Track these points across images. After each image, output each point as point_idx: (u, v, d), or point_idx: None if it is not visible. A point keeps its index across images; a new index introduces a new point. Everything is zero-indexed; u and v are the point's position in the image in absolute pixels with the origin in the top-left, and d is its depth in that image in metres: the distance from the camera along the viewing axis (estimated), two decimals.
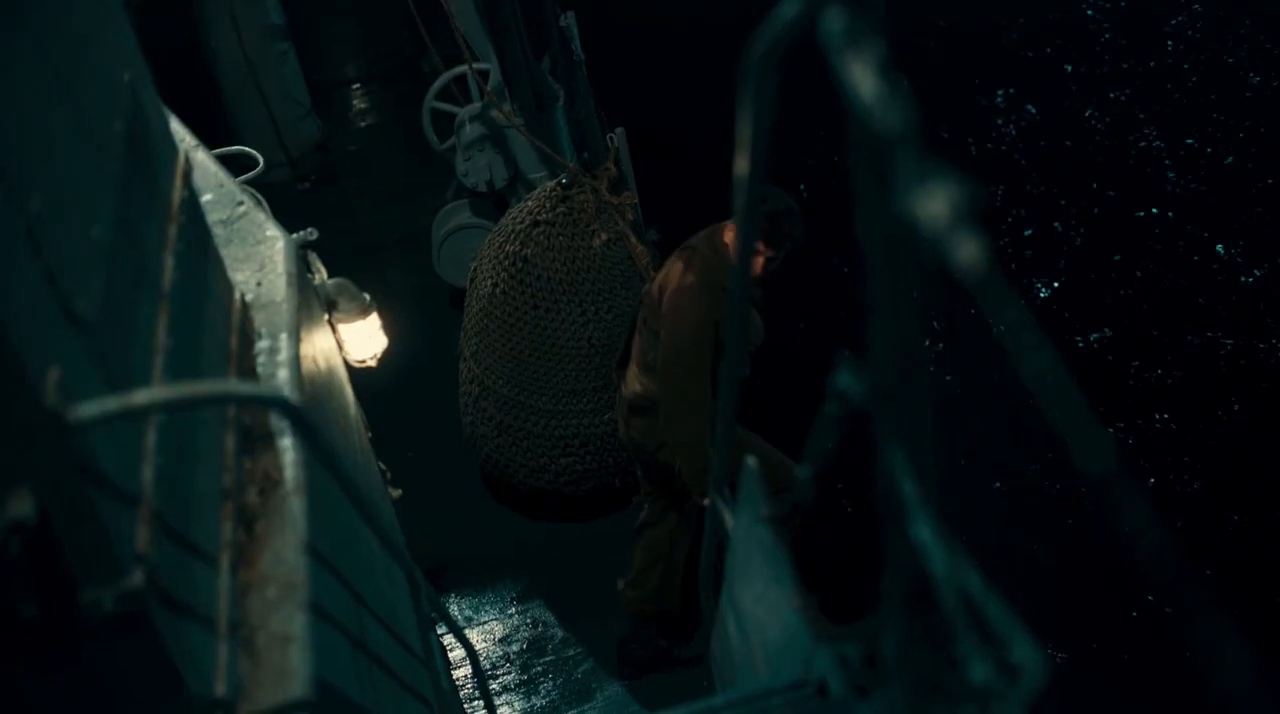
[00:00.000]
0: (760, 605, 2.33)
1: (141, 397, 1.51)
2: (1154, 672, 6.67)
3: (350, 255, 7.11)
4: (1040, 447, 7.77)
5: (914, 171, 0.85)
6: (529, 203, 6.24)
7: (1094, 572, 7.21)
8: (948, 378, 7.89)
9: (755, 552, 2.19)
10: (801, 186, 9.75)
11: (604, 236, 6.05)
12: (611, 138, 6.27)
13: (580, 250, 6.06)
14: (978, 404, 7.88)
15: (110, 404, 1.46)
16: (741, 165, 1.32)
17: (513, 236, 6.15)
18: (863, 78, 0.94)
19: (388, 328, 4.68)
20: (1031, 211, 10.49)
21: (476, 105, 7.18)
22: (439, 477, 6.75)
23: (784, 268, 4.86)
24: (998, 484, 7.99)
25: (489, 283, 6.22)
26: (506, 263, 6.14)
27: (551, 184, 6.16)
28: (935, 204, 0.80)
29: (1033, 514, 7.74)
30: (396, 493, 4.96)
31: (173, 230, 2.26)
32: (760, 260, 4.76)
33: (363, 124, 10.42)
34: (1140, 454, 8.35)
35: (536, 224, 6.09)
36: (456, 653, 5.95)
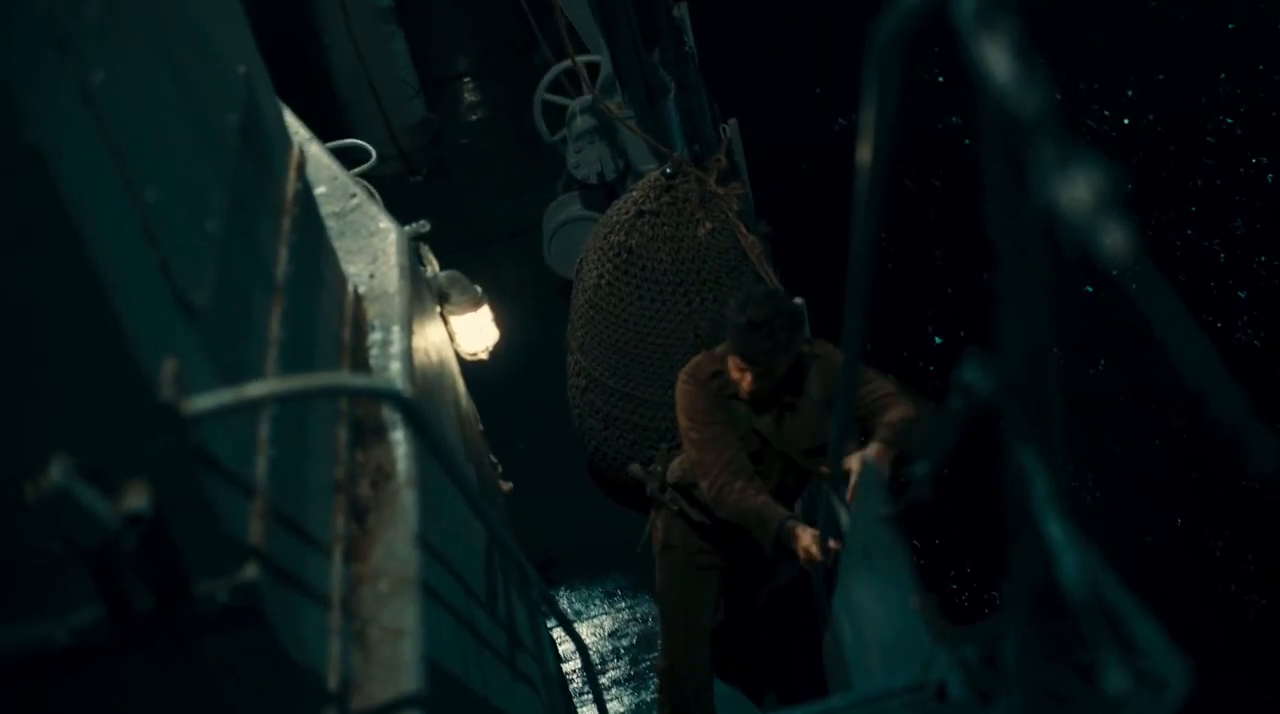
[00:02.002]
0: (877, 604, 2.28)
1: (256, 388, 1.51)
2: None
3: (461, 248, 7.14)
4: (1180, 445, 7.49)
5: (1054, 156, 0.80)
6: (633, 193, 6.22)
7: (1242, 579, 6.92)
8: (1079, 372, 7.65)
9: (874, 550, 2.15)
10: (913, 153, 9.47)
11: (709, 225, 6.00)
12: (724, 129, 6.22)
13: (685, 239, 6.02)
14: (1113, 401, 7.61)
15: (225, 396, 1.46)
16: (864, 154, 1.27)
17: (617, 227, 6.13)
18: (997, 59, 0.90)
19: (498, 320, 4.69)
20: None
21: (588, 97, 7.17)
22: (548, 469, 6.73)
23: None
24: (1136, 485, 7.68)
25: (594, 274, 6.21)
26: (611, 253, 6.12)
27: (655, 174, 6.13)
28: (1078, 189, 0.76)
29: (1174, 516, 7.43)
30: (508, 486, 4.96)
31: (286, 222, 2.27)
32: (735, 370, 4.34)
33: (473, 117, 10.46)
34: None
35: (641, 214, 6.06)
36: (566, 646, 5.95)
